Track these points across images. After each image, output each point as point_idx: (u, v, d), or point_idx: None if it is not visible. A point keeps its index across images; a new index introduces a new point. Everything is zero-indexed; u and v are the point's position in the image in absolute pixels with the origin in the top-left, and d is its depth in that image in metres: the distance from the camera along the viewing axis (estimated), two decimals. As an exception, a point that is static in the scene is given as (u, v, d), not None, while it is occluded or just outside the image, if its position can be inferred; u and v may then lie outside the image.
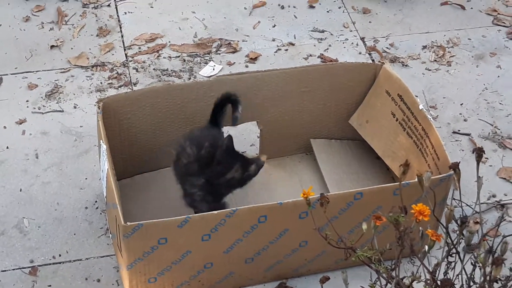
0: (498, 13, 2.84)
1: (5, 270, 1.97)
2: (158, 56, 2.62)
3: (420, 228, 1.39)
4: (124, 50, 2.64)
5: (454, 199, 2.05)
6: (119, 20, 2.75)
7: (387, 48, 2.69)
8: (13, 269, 1.97)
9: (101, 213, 2.11)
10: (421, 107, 2.02)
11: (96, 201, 2.14)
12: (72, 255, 2.01)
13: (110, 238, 2.03)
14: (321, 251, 1.90)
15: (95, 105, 2.03)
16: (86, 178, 2.20)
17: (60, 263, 1.99)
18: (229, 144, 1.96)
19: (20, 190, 2.16)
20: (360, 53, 2.66)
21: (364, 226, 1.40)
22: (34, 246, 2.03)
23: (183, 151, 1.98)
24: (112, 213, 1.85)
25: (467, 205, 1.99)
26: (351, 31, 2.75)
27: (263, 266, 1.91)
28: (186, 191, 2.00)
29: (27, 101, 2.43)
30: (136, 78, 2.52)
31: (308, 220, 1.76)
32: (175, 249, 1.78)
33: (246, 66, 2.59)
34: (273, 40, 2.70)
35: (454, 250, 1.41)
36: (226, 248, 1.82)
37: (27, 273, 1.97)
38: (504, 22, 2.80)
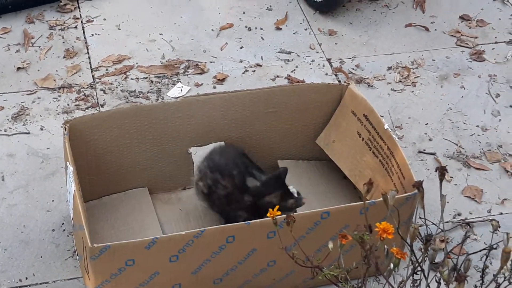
0: (462, 35, 2.89)
1: (-30, 294, 1.95)
2: (125, 78, 2.62)
3: (385, 246, 1.40)
4: (91, 71, 2.63)
5: (420, 217, 2.08)
6: (86, 42, 2.75)
7: (353, 69, 2.72)
8: (-21, 293, 1.95)
9: (68, 236, 2.10)
10: (386, 126, 2.05)
11: (63, 223, 2.13)
12: (38, 278, 1.99)
13: (77, 260, 2.02)
14: (289, 271, 1.91)
15: (61, 127, 2.03)
16: (53, 200, 2.19)
17: (26, 286, 1.98)
18: (282, 175, 2.03)
19: (-14, 212, 2.15)
20: (326, 74, 2.69)
21: (330, 245, 1.42)
22: (0, 269, 2.01)
23: (216, 183, 2.02)
24: (79, 235, 1.84)
25: (433, 223, 2.01)
26: (317, 52, 2.78)
27: (232, 286, 1.91)
28: (228, 215, 2.03)
29: (-7, 123, 2.42)
30: (104, 100, 2.52)
31: (276, 240, 1.77)
32: (143, 271, 1.78)
33: (214, 87, 2.60)
34: (241, 61, 2.72)
35: (419, 268, 1.43)
36: (195, 269, 1.82)
37: (-8, 296, 1.95)
38: (467, 43, 2.86)
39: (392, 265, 1.38)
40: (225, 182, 2.02)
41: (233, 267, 1.86)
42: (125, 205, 2.17)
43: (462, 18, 2.97)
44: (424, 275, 1.41)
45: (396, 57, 2.78)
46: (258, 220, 1.81)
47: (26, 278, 1.99)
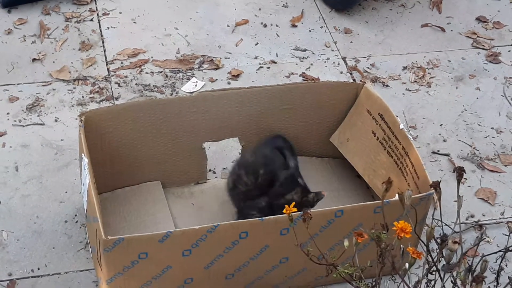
0: (478, 36, 2.88)
1: (-18, 283, 1.96)
2: (140, 71, 2.62)
3: (401, 245, 1.40)
4: (106, 64, 2.64)
5: (433, 218, 2.08)
6: (101, 35, 2.75)
7: (368, 68, 2.71)
8: (-9, 282, 1.96)
9: (80, 227, 2.10)
10: (401, 126, 2.05)
11: (76, 215, 2.13)
12: (51, 268, 2.00)
13: (89, 252, 2.02)
14: (302, 268, 1.91)
15: (76, 119, 2.03)
16: (66, 192, 2.19)
17: (38, 276, 1.98)
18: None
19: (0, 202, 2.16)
20: (341, 72, 2.69)
21: (346, 243, 1.41)
22: (13, 259, 2.01)
23: (239, 179, 2.03)
24: (92, 227, 1.84)
25: (446, 224, 2.01)
26: (332, 50, 2.78)
27: (243, 282, 1.91)
28: (242, 212, 2.03)
29: (7, 113, 2.42)
30: (118, 93, 2.52)
31: (289, 237, 1.77)
32: (155, 264, 1.78)
33: (228, 83, 2.60)
34: (256, 57, 2.72)
35: (434, 268, 1.42)
36: (207, 264, 1.82)
37: (5, 286, 1.95)
38: (483, 45, 2.85)
39: (407, 265, 1.37)
40: (247, 179, 2.02)
41: (245, 263, 1.86)
42: (137, 198, 2.17)
43: (478, 19, 2.96)
44: (440, 276, 1.40)
45: (411, 57, 2.77)
46: (272, 216, 1.81)
47: (38, 269, 2.00)
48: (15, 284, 1.95)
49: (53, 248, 2.05)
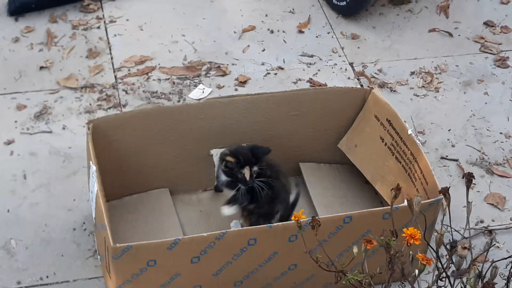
0: (485, 41, 2.87)
1: (-9, 291, 1.96)
2: (147, 79, 2.62)
3: (411, 252, 1.39)
4: (114, 72, 2.64)
5: (443, 224, 2.06)
6: (108, 42, 2.75)
7: (375, 73, 2.71)
8: (0, 290, 1.96)
9: (89, 235, 2.10)
10: (410, 132, 2.04)
11: (84, 223, 2.13)
12: (59, 276, 2.00)
13: (98, 260, 2.02)
14: (310, 275, 1.90)
15: (84, 127, 2.03)
16: (74, 200, 2.19)
17: (47, 284, 1.98)
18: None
19: (8, 210, 2.15)
20: (348, 78, 2.68)
21: (355, 250, 1.41)
22: (22, 267, 2.01)
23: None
24: (101, 235, 1.84)
25: (455, 230, 2.00)
26: (340, 56, 2.77)
27: (252, 289, 1.91)
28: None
29: (15, 121, 2.43)
30: (126, 100, 2.52)
31: (298, 244, 1.76)
32: (164, 272, 1.78)
33: (236, 90, 2.60)
34: (263, 64, 2.72)
35: (444, 274, 1.42)
36: (216, 271, 1.82)
37: (13, 294, 1.96)
38: (491, 50, 2.84)
39: (417, 271, 1.37)
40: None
41: (254, 269, 1.85)
42: (146, 205, 2.17)
43: (486, 24, 2.95)
44: (450, 282, 1.40)
45: (419, 62, 2.77)
46: (280, 223, 1.81)
47: (47, 277, 1.99)
48: (23, 292, 1.96)
49: (62, 256, 2.05)
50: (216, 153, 2.18)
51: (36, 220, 2.13)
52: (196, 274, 1.81)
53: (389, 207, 1.49)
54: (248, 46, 2.79)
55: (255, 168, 1.99)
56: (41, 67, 2.64)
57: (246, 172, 1.97)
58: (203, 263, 1.78)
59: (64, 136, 2.39)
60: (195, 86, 2.61)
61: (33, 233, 2.10)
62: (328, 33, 2.87)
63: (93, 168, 1.88)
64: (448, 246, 1.41)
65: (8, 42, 2.73)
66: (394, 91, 2.64)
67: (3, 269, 2.00)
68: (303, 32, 2.87)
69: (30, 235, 2.09)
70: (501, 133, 2.51)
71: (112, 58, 2.69)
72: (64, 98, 2.52)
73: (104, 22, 2.84)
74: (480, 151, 2.44)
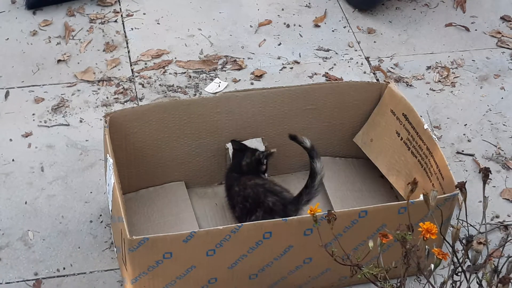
0: (502, 35, 2.86)
1: (9, 282, 1.97)
2: (164, 72, 2.63)
3: (426, 246, 1.39)
4: (131, 65, 2.65)
5: (458, 219, 2.06)
6: (125, 36, 2.77)
7: (391, 68, 2.70)
8: (17, 281, 1.97)
9: (105, 227, 2.11)
10: (426, 126, 2.04)
11: (100, 215, 2.14)
12: (76, 268, 2.01)
13: (114, 252, 2.04)
14: (325, 268, 1.91)
15: (101, 120, 2.04)
16: (91, 192, 2.21)
17: (64, 276, 2.00)
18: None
19: (25, 202, 2.17)
20: (364, 72, 2.68)
21: (371, 244, 1.41)
22: (39, 258, 2.03)
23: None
24: (117, 227, 1.85)
25: (471, 225, 2.00)
26: (356, 50, 2.77)
27: (267, 282, 1.91)
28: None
29: (33, 114, 2.45)
30: (142, 94, 2.54)
31: (313, 237, 1.77)
32: (180, 264, 1.79)
33: (252, 83, 2.61)
34: (279, 58, 2.72)
35: (459, 269, 1.42)
36: (231, 264, 1.83)
37: (31, 285, 1.97)
38: (508, 44, 2.82)
39: (432, 266, 1.37)
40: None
41: (269, 263, 1.86)
42: (161, 198, 2.18)
43: (503, 18, 2.94)
44: (466, 277, 1.40)
45: (435, 56, 2.76)
46: (296, 217, 1.81)
47: (64, 268, 2.01)
48: (40, 283, 1.97)
49: (79, 248, 2.06)
50: (232, 147, 2.19)
51: (53, 212, 2.15)
52: (211, 266, 1.82)
53: (405, 201, 1.49)
54: (264, 40, 2.79)
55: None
56: (59, 60, 2.65)
57: None
58: (218, 256, 1.79)
59: (81, 129, 2.41)
60: (211, 80, 2.62)
61: (50, 225, 2.11)
62: (344, 27, 2.87)
63: (110, 161, 1.89)
64: (464, 241, 1.41)
65: (26, 35, 2.74)
66: (410, 85, 2.64)
67: (20, 260, 2.02)
68: (319, 26, 2.87)
69: (47, 227, 2.11)
70: (517, 128, 2.51)
71: (129, 52, 2.70)
72: (81, 91, 2.54)
73: (121, 15, 2.85)
74: (496, 146, 2.43)
